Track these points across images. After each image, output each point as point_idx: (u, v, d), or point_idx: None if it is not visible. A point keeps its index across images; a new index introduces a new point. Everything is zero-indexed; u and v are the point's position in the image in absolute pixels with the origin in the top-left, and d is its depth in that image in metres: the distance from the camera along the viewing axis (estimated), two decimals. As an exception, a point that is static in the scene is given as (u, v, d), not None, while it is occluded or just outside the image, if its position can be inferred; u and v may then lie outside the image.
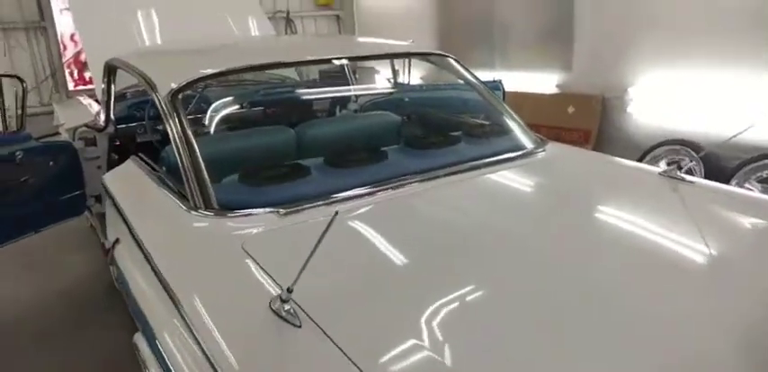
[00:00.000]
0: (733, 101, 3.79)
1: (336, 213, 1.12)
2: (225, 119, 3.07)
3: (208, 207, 1.74)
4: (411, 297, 1.30)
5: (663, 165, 3.91)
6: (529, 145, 2.32)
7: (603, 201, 1.94)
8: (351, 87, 3.78)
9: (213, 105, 3.14)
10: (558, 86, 4.82)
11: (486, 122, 2.66)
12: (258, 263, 1.43)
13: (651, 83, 4.16)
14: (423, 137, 2.33)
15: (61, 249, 3.79)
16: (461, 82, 2.70)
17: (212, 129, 2.86)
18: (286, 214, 1.68)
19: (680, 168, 2.08)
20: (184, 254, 1.63)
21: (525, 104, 4.54)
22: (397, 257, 1.52)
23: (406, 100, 3.68)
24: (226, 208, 1.75)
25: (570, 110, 4.53)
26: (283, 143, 2.38)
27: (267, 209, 1.70)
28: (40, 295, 3.33)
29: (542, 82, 4.89)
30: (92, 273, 3.48)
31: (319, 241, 1.11)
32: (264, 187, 1.86)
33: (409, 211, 1.79)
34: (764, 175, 3.57)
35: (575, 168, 2.22)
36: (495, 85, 3.97)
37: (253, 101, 3.59)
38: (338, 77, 4.19)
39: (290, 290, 1.17)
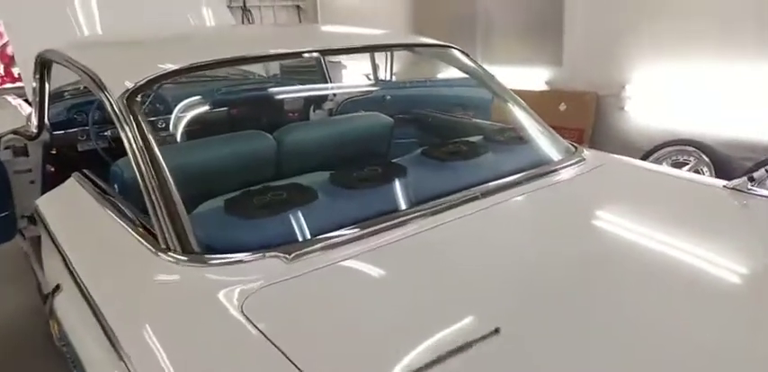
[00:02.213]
0: (741, 97, 3.55)
1: (497, 330, 0.72)
2: (186, 124, 2.59)
3: (186, 250, 1.30)
4: None
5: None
6: (563, 154, 1.96)
7: (671, 225, 1.58)
8: (329, 84, 3.34)
9: (171, 106, 2.68)
10: (547, 83, 4.51)
11: (506, 126, 2.29)
12: (269, 339, 1.01)
13: (650, 79, 3.89)
14: (443, 146, 1.92)
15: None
16: (461, 78, 2.34)
17: (173, 137, 2.38)
18: (294, 258, 1.26)
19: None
20: (158, 321, 1.18)
21: (512, 101, 4.23)
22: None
23: (389, 98, 3.28)
24: (209, 249, 1.31)
25: (562, 107, 4.22)
26: (262, 153, 1.95)
27: (268, 253, 1.26)
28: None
29: (531, 78, 4.56)
30: (31, 308, 2.93)
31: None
32: (259, 219, 1.42)
33: (457, 251, 1.37)
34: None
35: (624, 181, 1.87)
36: (482, 81, 3.64)
37: (215, 100, 3.12)
38: (306, 73, 3.76)
39: None
